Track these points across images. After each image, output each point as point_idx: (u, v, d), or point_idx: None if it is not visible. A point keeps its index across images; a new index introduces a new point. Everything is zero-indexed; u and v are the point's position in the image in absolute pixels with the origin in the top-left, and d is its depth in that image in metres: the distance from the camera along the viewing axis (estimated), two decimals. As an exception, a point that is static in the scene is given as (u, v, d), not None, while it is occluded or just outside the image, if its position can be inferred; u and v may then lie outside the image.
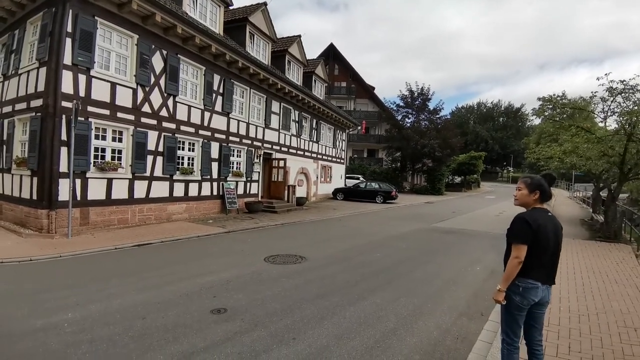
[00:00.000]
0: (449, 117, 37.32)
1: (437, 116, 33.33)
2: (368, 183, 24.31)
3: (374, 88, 43.42)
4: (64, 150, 8.25)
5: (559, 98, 14.56)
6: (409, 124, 33.54)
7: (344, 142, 27.26)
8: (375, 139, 40.60)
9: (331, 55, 40.09)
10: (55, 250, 6.79)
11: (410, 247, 8.90)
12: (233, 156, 14.16)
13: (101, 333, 3.52)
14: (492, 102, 76.70)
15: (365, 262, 7.05)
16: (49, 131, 8.12)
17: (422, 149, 30.99)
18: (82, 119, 8.59)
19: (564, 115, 14.37)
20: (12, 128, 9.08)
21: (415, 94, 32.82)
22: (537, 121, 70.68)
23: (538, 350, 2.57)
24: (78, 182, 8.61)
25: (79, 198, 8.64)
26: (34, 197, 8.33)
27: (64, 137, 8.27)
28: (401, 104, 33.63)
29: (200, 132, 12.33)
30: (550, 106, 14.20)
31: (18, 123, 9.02)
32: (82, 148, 8.61)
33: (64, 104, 8.21)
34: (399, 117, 34.27)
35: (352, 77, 41.59)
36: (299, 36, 19.49)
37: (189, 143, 12.05)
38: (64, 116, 8.25)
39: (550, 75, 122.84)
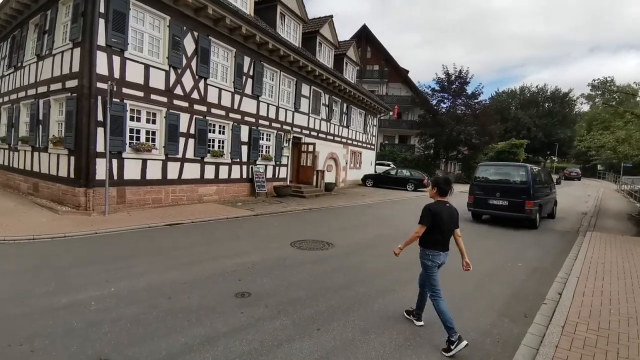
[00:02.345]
0: (488, 102, 35.01)
1: (476, 101, 31.45)
2: (399, 170, 23.59)
3: (407, 71, 41.70)
4: (100, 131, 8.50)
5: (609, 84, 13.15)
6: (444, 109, 31.98)
7: (375, 128, 26.53)
8: (407, 125, 39.25)
9: (364, 37, 38.77)
10: (91, 227, 7.07)
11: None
12: (262, 140, 14.13)
13: (126, 312, 3.53)
14: (537, 87, 71.33)
15: (391, 253, 6.72)
16: (85, 112, 8.37)
17: (458, 135, 29.52)
18: (118, 100, 8.78)
19: (612, 102, 12.98)
20: (47, 108, 9.47)
21: (453, 77, 31.07)
22: (585, 107, 65.03)
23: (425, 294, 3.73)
24: (115, 162, 8.89)
25: (115, 178, 8.94)
26: (72, 175, 8.70)
27: (100, 117, 8.50)
28: (437, 87, 32.01)
29: (231, 115, 12.34)
30: (600, 92, 12.92)
31: (54, 103, 9.38)
32: (118, 129, 8.83)
33: (99, 85, 8.40)
34: (434, 102, 32.72)
35: (385, 60, 40.11)
36: (331, 17, 18.86)
37: (220, 126, 12.11)
38: (99, 97, 8.46)
39: (601, 59, 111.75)
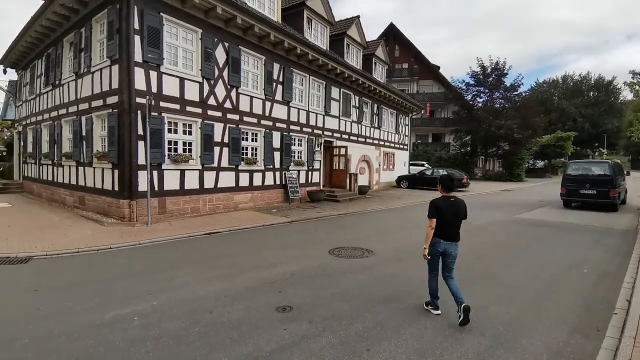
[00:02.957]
0: (528, 93, 32.87)
1: (515, 93, 29.66)
2: (435, 170, 22.69)
3: (438, 67, 40.38)
4: (141, 144, 8.80)
5: None
6: (480, 104, 30.48)
7: (407, 127, 25.77)
8: (441, 123, 37.87)
9: (391, 36, 38.07)
10: (135, 237, 7.27)
11: (493, 242, 7.83)
12: (294, 145, 14.09)
13: (168, 327, 3.46)
14: (579, 75, 66.41)
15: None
16: (126, 127, 8.70)
17: (497, 130, 27.95)
18: (156, 114, 9.06)
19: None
20: (90, 124, 9.96)
21: (489, 70, 29.58)
22: (629, 96, 59.54)
23: (449, 279, 3.95)
24: (155, 173, 9.17)
25: (156, 189, 9.21)
26: (116, 188, 9.07)
27: (140, 131, 8.80)
28: (471, 82, 30.59)
29: (262, 122, 12.40)
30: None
31: (96, 119, 9.85)
32: (157, 141, 9.11)
33: (138, 100, 8.71)
34: (469, 97, 31.32)
35: (414, 58, 39.10)
36: (358, 17, 18.57)
37: (252, 133, 12.20)
38: (139, 112, 8.76)
39: (638, 46, 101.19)
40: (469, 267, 5.78)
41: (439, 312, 4.00)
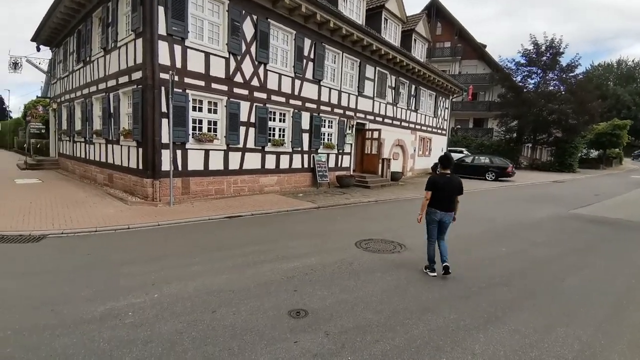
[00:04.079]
0: (583, 76, 29.31)
1: (572, 75, 26.55)
2: (476, 157, 21.01)
3: (485, 46, 37.15)
4: (164, 122, 8.49)
5: None
6: (532, 86, 27.69)
7: (446, 111, 24.01)
8: (484, 106, 35.13)
9: (433, 11, 35.38)
10: (155, 218, 7.02)
11: (549, 242, 6.75)
12: (324, 127, 13.35)
13: (162, 329, 3.00)
14: (633, 61, 59.02)
15: (486, 260, 5.41)
16: (150, 103, 8.39)
17: (550, 115, 25.32)
18: (180, 90, 8.69)
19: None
20: (117, 101, 9.80)
21: (543, 48, 26.57)
22: None
23: (440, 241, 4.69)
24: (179, 153, 8.89)
25: (180, 168, 8.95)
26: (140, 167, 8.89)
27: (164, 109, 8.48)
28: (523, 61, 27.72)
29: (291, 101, 11.74)
30: None
31: (123, 96, 9.65)
32: (181, 119, 8.77)
33: (162, 75, 8.33)
34: (519, 79, 28.50)
35: (457, 35, 36.20)
36: (398, -12, 17.05)
37: (280, 113, 11.60)
38: (162, 88, 8.40)
39: None
40: (524, 272, 4.89)
41: (435, 274, 4.61)
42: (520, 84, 28.29)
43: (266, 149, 11.06)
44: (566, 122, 25.31)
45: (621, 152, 35.59)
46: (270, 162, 11.32)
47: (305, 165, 12.59)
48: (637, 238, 7.31)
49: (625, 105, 50.91)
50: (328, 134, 13.65)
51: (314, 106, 12.65)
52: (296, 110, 11.91)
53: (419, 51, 19.72)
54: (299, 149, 12.21)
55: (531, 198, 12.83)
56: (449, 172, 4.56)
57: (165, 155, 8.51)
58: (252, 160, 10.72)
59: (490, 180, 18.60)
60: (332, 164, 13.74)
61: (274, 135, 11.47)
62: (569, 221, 8.82)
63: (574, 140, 26.13)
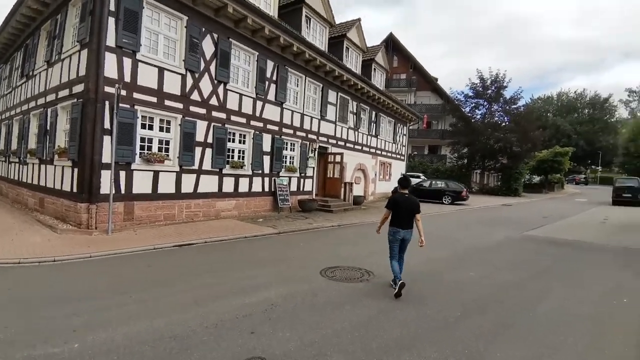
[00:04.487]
0: (524, 108, 32.39)
1: (514, 106, 29.12)
2: (433, 182, 21.74)
3: (436, 79, 39.99)
4: (107, 140, 7.62)
5: None
6: (479, 116, 29.86)
7: (404, 137, 24.93)
8: (437, 134, 37.27)
9: (390, 45, 37.59)
10: (87, 249, 6.04)
11: (512, 264, 6.75)
12: (286, 150, 13.00)
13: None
14: (575, 92, 67.15)
15: (457, 286, 5.18)
16: (90, 118, 7.52)
17: (496, 143, 27.26)
18: (127, 106, 7.94)
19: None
20: (55, 117, 8.74)
21: (488, 82, 29.01)
22: (625, 114, 60.51)
23: (401, 260, 4.99)
24: (122, 174, 7.98)
25: (123, 191, 8.00)
26: (74, 189, 7.83)
27: (107, 125, 7.63)
28: (470, 93, 30.00)
29: (252, 122, 11.31)
30: (637, 98, 10.81)
31: (61, 111, 8.65)
32: (127, 137, 7.95)
33: (107, 89, 7.57)
34: (467, 109, 30.69)
35: (412, 68, 38.70)
36: (359, 20, 17.79)
37: (240, 134, 11.09)
38: (107, 102, 7.61)
39: (636, 64, 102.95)
40: (495, 299, 4.69)
41: (403, 282, 4.70)
42: (469, 114, 30.42)
43: (224, 171, 10.41)
44: (511, 149, 27.35)
45: (562, 177, 38.98)
46: (228, 185, 10.64)
47: (266, 189, 12.03)
48: (591, 259, 7.59)
49: (565, 134, 56.78)
50: (290, 157, 13.30)
51: (276, 128, 12.32)
52: (257, 132, 11.48)
53: (378, 80, 20.47)
54: (260, 171, 11.68)
55: (486, 221, 13.26)
56: (407, 192, 4.96)
57: (106, 176, 7.57)
58: (208, 183, 9.98)
59: (447, 204, 19.19)
60: (294, 187, 13.32)
61: (233, 157, 10.87)
62: (524, 243, 9.06)
63: (518, 166, 28.20)
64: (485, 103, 29.59)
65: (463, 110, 30.95)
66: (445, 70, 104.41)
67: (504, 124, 28.59)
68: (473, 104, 30.25)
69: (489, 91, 29.06)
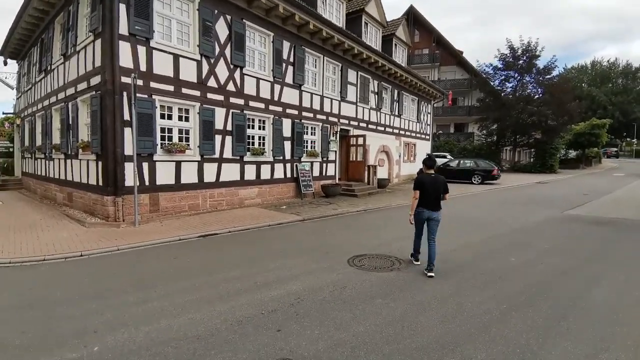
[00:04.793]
0: (556, 79, 30.10)
1: (548, 77, 27.06)
2: (461, 161, 20.77)
3: (462, 52, 37.80)
4: (127, 131, 7.56)
5: None
6: (509, 90, 28.05)
7: (429, 116, 23.87)
8: (464, 111, 35.51)
9: (411, 19, 35.72)
10: (115, 242, 6.06)
11: (556, 248, 6.19)
12: (307, 134, 12.65)
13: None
14: (608, 61, 62.01)
15: (498, 274, 4.75)
16: (110, 110, 7.47)
17: (529, 117, 25.58)
18: (145, 95, 7.82)
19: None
20: (75, 111, 8.79)
21: (519, 52, 27.01)
22: None
23: (431, 242, 4.75)
24: (145, 165, 7.95)
25: (147, 183, 8.00)
26: (100, 183, 7.88)
27: (126, 116, 7.56)
28: (500, 65, 28.11)
29: (271, 107, 11.01)
30: None
31: (81, 105, 8.66)
32: (148, 128, 7.87)
33: (124, 79, 7.44)
34: (496, 83, 28.88)
35: (435, 42, 36.70)
36: (377, -8, 16.79)
37: (259, 120, 10.83)
38: (124, 93, 7.51)
39: None
40: (543, 288, 4.24)
41: (419, 262, 5.04)
42: (498, 87, 28.65)
43: (245, 158, 10.23)
44: (546, 123, 25.63)
45: (600, 151, 36.49)
46: (250, 172, 10.48)
47: (288, 175, 11.80)
48: (642, 239, 6.89)
49: (601, 105, 52.93)
50: (311, 142, 12.96)
51: (296, 112, 11.95)
52: (276, 117, 11.17)
53: (399, 56, 19.48)
54: (281, 157, 11.44)
55: (521, 200, 12.47)
56: (432, 171, 4.91)
57: (129, 168, 7.55)
58: (230, 172, 9.85)
59: (477, 184, 18.31)
60: (316, 172, 13.02)
61: (253, 143, 10.66)
62: (567, 224, 8.37)
63: (553, 141, 26.47)
64: (517, 75, 27.68)
65: (492, 83, 29.17)
66: (470, 44, 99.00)
67: (537, 96, 26.70)
68: (503, 77, 28.41)
69: (520, 62, 27.11)
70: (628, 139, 58.88)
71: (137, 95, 7.45)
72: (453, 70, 36.67)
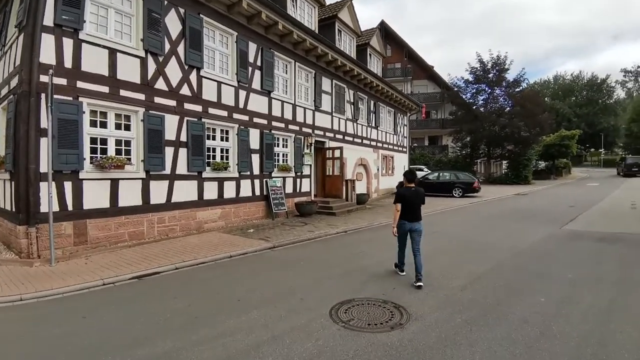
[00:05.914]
0: (528, 90, 30.90)
1: (518, 90, 27.56)
2: (441, 174, 20.11)
3: (432, 67, 38.27)
4: (44, 142, 5.89)
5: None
6: (481, 102, 28.29)
7: (405, 128, 23.30)
8: (437, 124, 35.61)
9: (383, 33, 35.79)
10: (19, 288, 4.36)
11: (583, 278, 5.05)
12: (278, 146, 11.30)
13: None
14: (572, 74, 65.86)
15: (537, 328, 3.49)
16: (24, 117, 5.83)
17: (502, 129, 25.69)
18: (70, 98, 6.23)
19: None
20: (-8, 120, 7.05)
21: (489, 65, 27.43)
22: (622, 94, 59.52)
23: (416, 253, 4.83)
24: (68, 185, 6.25)
25: (70, 207, 6.28)
26: (13, 208, 6.13)
27: (44, 124, 5.90)
28: (470, 78, 28.39)
29: (235, 115, 9.60)
30: (633, 78, 9.35)
31: (2, 113, 6.94)
32: (72, 138, 6.22)
33: (43, 78, 5.83)
34: (468, 96, 29.12)
35: (407, 57, 36.92)
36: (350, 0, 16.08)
37: (222, 130, 9.38)
38: (43, 95, 5.88)
39: (624, 46, 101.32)
40: (599, 340, 3.02)
41: (404, 273, 5.12)
42: (470, 100, 28.86)
43: (204, 174, 8.69)
44: (518, 135, 25.82)
45: (569, 161, 37.58)
46: (211, 191, 8.93)
47: (257, 193, 10.32)
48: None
49: (566, 118, 55.49)
50: (283, 154, 11.60)
51: (265, 122, 10.60)
52: (242, 127, 9.76)
53: (374, 66, 18.80)
54: (248, 173, 9.97)
55: (509, 214, 11.66)
56: (413, 185, 5.04)
57: (45, 189, 5.84)
58: (185, 190, 8.26)
59: (458, 197, 17.59)
60: (289, 189, 11.63)
61: (214, 157, 9.16)
62: (573, 242, 7.44)
63: (526, 152, 26.69)
64: (487, 88, 28.01)
65: (463, 97, 29.37)
66: (436, 61, 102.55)
67: (508, 108, 27.02)
68: (474, 90, 28.70)
69: (490, 75, 27.49)
70: (592, 150, 62.00)
71: (59, 97, 5.94)
72: (425, 84, 36.93)
